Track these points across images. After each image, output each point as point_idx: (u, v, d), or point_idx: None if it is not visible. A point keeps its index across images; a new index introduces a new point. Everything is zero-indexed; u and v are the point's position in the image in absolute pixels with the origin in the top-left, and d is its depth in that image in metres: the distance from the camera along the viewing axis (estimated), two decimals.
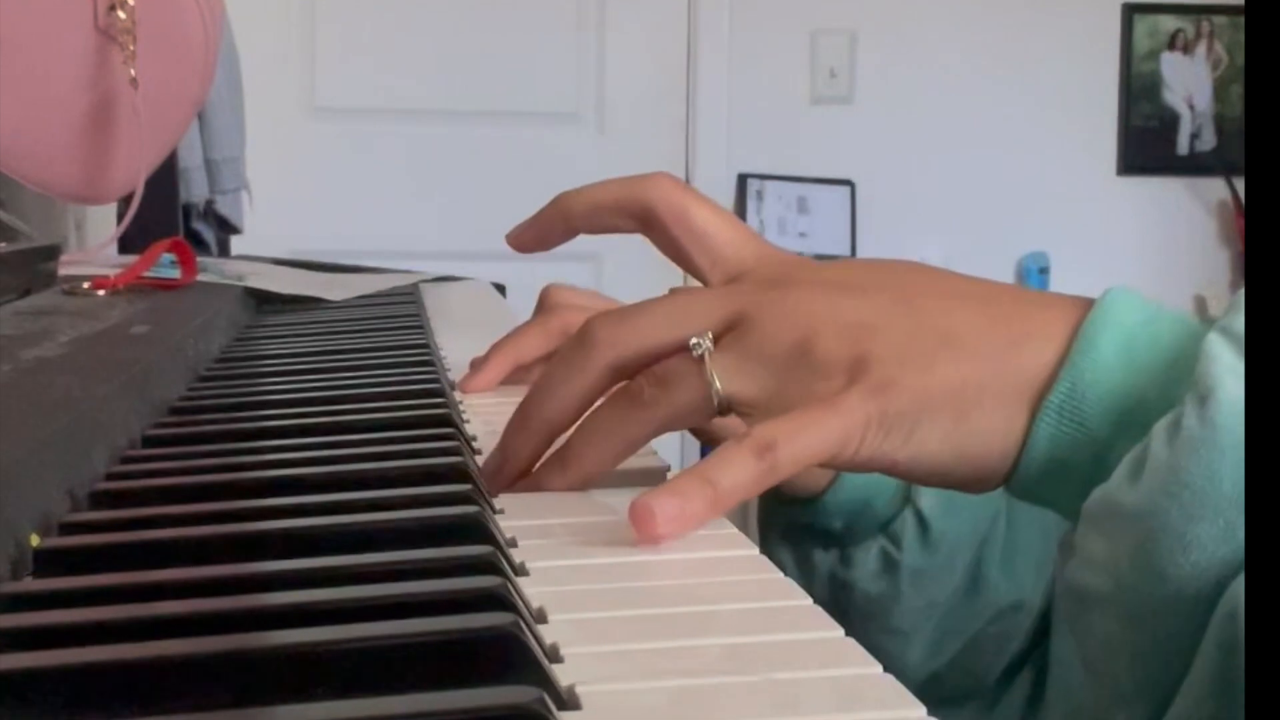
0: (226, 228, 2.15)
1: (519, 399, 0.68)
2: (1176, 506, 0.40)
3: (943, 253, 3.16)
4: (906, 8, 3.18)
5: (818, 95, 3.18)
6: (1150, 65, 3.26)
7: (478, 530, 0.41)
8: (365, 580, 0.36)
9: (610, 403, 0.49)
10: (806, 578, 0.75)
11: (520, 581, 0.39)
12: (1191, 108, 3.28)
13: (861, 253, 3.16)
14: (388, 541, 0.40)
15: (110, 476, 0.48)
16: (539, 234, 0.56)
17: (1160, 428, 0.41)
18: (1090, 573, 0.42)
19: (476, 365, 0.71)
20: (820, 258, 3.14)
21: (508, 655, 0.30)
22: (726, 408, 0.47)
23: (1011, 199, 3.22)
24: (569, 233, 0.55)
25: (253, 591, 0.36)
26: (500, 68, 3.07)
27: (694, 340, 0.47)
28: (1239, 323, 0.43)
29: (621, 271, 2.93)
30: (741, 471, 0.44)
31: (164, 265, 0.94)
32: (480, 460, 0.54)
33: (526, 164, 3.08)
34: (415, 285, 1.19)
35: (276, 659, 0.30)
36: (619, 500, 0.47)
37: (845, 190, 3.18)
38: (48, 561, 0.39)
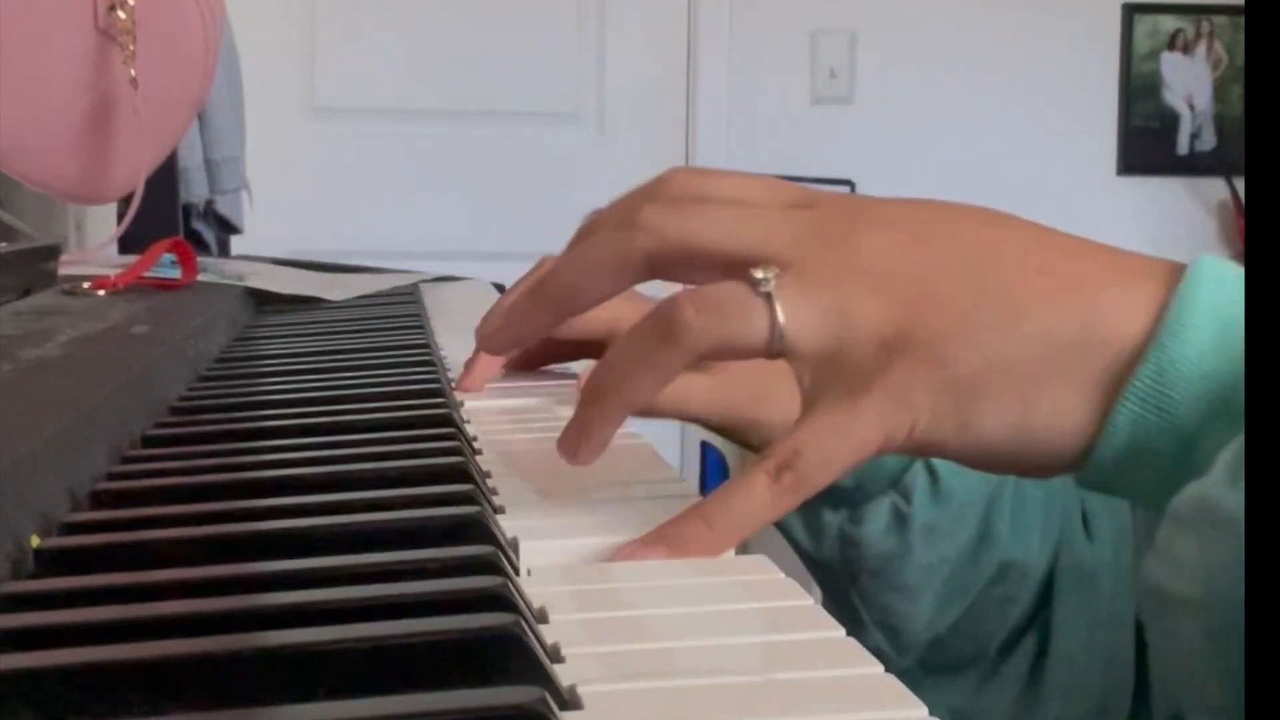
0: (226, 228, 2.15)
1: (522, 399, 0.68)
2: None
3: None
4: (906, 8, 3.18)
5: (818, 95, 3.18)
6: (1150, 65, 3.26)
7: (478, 530, 0.41)
8: (366, 580, 0.36)
9: (642, 333, 0.44)
10: (815, 539, 0.73)
11: (521, 581, 0.39)
12: (1191, 108, 3.28)
13: None
14: (388, 541, 0.40)
15: (110, 476, 0.48)
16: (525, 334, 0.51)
17: None
18: (1177, 577, 0.39)
19: (462, 375, 0.71)
20: None
21: (509, 655, 0.30)
22: (778, 352, 0.43)
23: (1011, 199, 3.20)
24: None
25: (253, 591, 0.36)
26: (500, 68, 3.07)
27: (760, 274, 0.43)
28: None
29: None
30: (749, 502, 0.42)
31: (164, 265, 0.94)
32: (479, 461, 0.54)
33: (526, 164, 3.09)
34: (415, 285, 1.19)
35: (276, 659, 0.30)
36: (620, 499, 0.47)
37: (845, 190, 3.19)
38: (48, 561, 0.39)
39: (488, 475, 0.51)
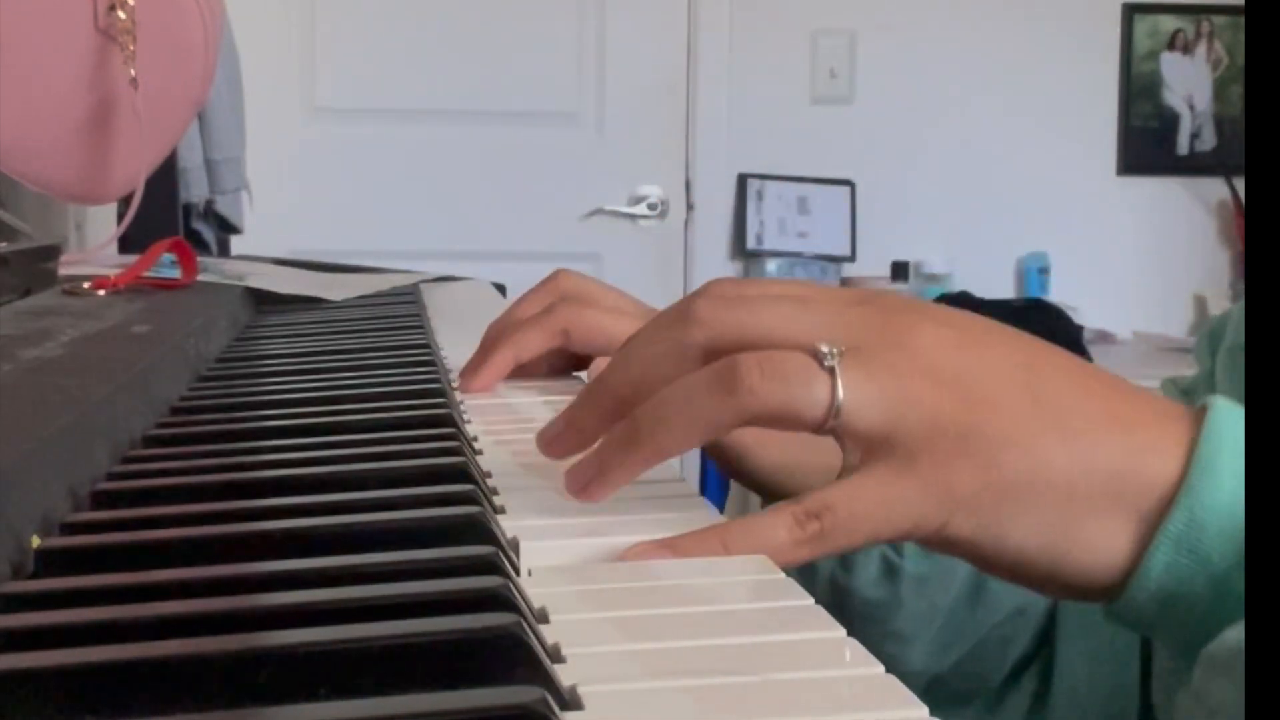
0: (226, 228, 2.15)
1: (521, 398, 0.68)
2: None
3: (943, 253, 3.17)
4: (906, 8, 3.18)
5: (818, 95, 3.18)
6: (1150, 65, 3.26)
7: (479, 530, 0.41)
8: (366, 580, 0.36)
9: (701, 381, 0.44)
10: (806, 583, 0.74)
11: (522, 581, 0.39)
12: (1191, 108, 3.28)
13: (861, 253, 3.17)
14: (389, 541, 0.40)
15: (111, 476, 0.48)
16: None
17: None
18: None
19: (468, 368, 0.70)
20: (821, 258, 3.14)
21: (510, 655, 0.30)
22: (831, 429, 0.44)
23: (1011, 199, 3.22)
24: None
25: (253, 591, 0.36)
26: (500, 68, 3.07)
27: (825, 348, 0.43)
28: None
29: (622, 271, 2.93)
30: (770, 538, 0.43)
31: (164, 265, 0.94)
32: (479, 460, 0.54)
33: (526, 164, 3.09)
34: (415, 285, 1.19)
35: (276, 659, 0.30)
36: (620, 499, 0.47)
37: (845, 190, 3.18)
38: (49, 561, 0.39)
39: (488, 475, 0.51)
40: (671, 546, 0.42)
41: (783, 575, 0.40)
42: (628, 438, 0.45)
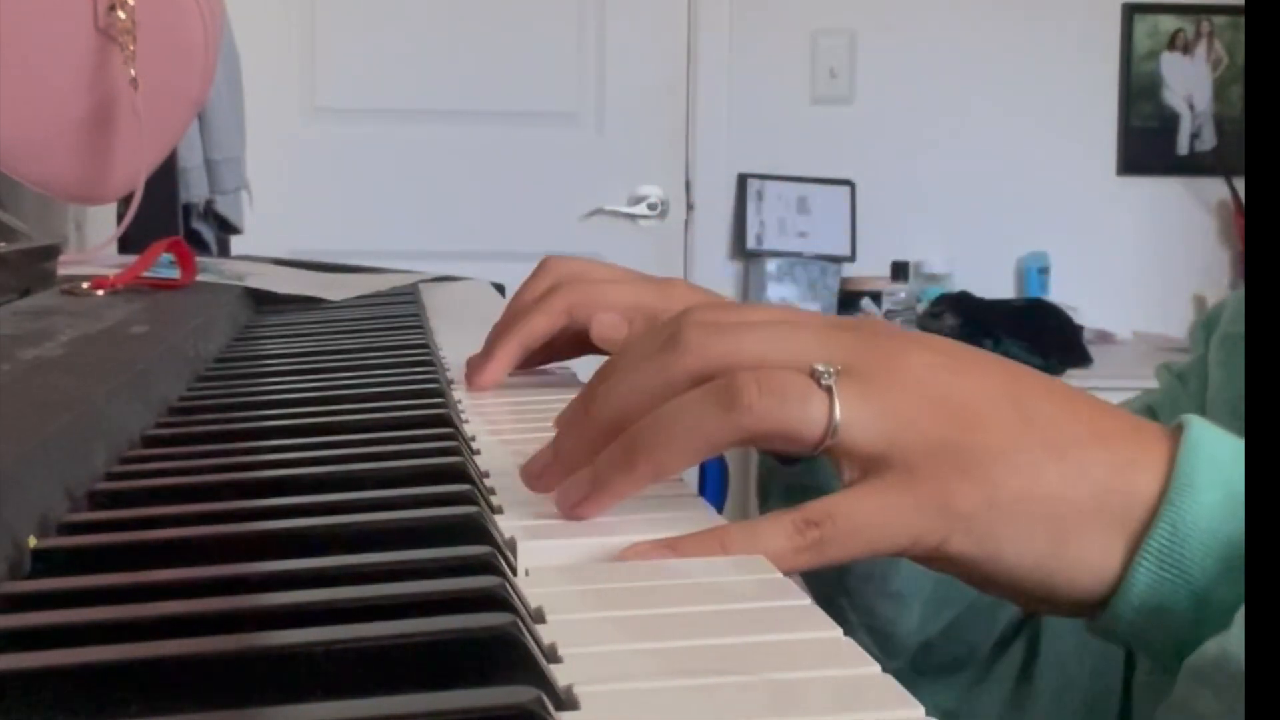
0: (226, 228, 2.15)
1: (521, 397, 0.68)
2: None
3: (943, 253, 3.17)
4: (906, 8, 3.18)
5: (818, 95, 3.18)
6: (1150, 65, 3.26)
7: (476, 530, 0.41)
8: (364, 580, 0.36)
9: (699, 399, 0.44)
10: None
11: (519, 581, 0.39)
12: (1191, 108, 3.28)
13: (861, 253, 3.17)
14: (387, 541, 0.40)
15: (110, 476, 0.48)
16: None
17: None
18: None
19: (475, 362, 0.70)
20: (821, 258, 3.14)
21: (506, 655, 0.30)
22: (828, 448, 0.44)
23: (1011, 199, 3.22)
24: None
25: (251, 591, 0.36)
26: (500, 68, 3.07)
27: (822, 367, 0.44)
28: None
29: None
30: (769, 543, 0.43)
31: (164, 265, 0.94)
32: (477, 460, 0.54)
33: (526, 164, 3.09)
34: (415, 285, 1.19)
35: (276, 659, 0.30)
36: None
37: (845, 190, 3.18)
38: (46, 562, 0.39)
39: (486, 475, 0.51)
40: (671, 547, 0.43)
41: (781, 575, 0.40)
42: (624, 456, 0.45)
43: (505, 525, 0.44)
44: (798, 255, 3.14)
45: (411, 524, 0.41)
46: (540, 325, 0.69)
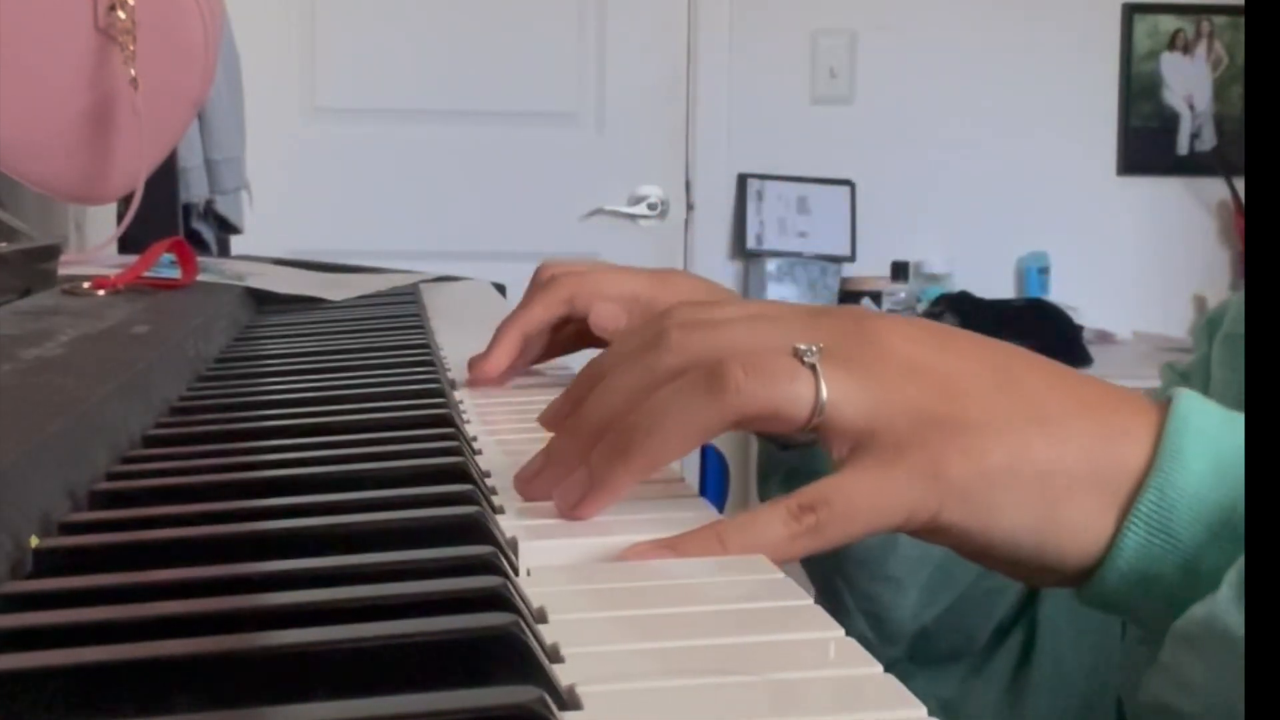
0: (226, 228, 2.15)
1: (521, 397, 0.68)
2: None
3: (943, 253, 3.17)
4: (906, 8, 3.18)
5: (818, 95, 3.18)
6: (1150, 65, 3.26)
7: (478, 530, 0.41)
8: (365, 580, 0.36)
9: (688, 386, 0.44)
10: None
11: (521, 581, 0.39)
12: (1191, 108, 3.28)
13: (861, 253, 3.17)
14: (388, 542, 0.40)
15: (110, 476, 0.48)
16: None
17: None
18: (1184, 696, 0.40)
19: (476, 361, 0.71)
20: (821, 258, 3.14)
21: (508, 655, 0.30)
22: (816, 425, 0.44)
23: (1011, 199, 3.22)
24: None
25: (252, 591, 0.36)
26: (500, 68, 3.07)
27: (804, 346, 0.44)
28: None
29: None
30: (766, 533, 0.43)
31: (164, 265, 0.94)
32: (479, 460, 0.54)
33: (526, 164, 3.09)
34: (415, 285, 1.19)
35: (276, 659, 0.30)
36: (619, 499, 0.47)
37: (845, 190, 3.18)
38: (48, 561, 0.39)
39: (487, 475, 0.51)
40: (670, 546, 0.43)
41: (782, 575, 0.40)
42: (618, 451, 0.45)
43: (507, 525, 0.44)
44: (798, 255, 3.14)
45: (413, 524, 0.41)
46: (539, 313, 0.69)
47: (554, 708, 0.29)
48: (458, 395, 0.69)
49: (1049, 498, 0.44)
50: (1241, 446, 0.43)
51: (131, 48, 0.94)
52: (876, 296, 3.09)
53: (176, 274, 0.93)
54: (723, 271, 3.13)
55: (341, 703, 0.29)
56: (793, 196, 3.17)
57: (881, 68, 3.18)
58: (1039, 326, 2.87)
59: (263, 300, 1.05)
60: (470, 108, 3.07)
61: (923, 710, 0.30)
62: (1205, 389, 0.67)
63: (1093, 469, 0.44)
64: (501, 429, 0.61)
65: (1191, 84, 3.28)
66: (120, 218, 1.03)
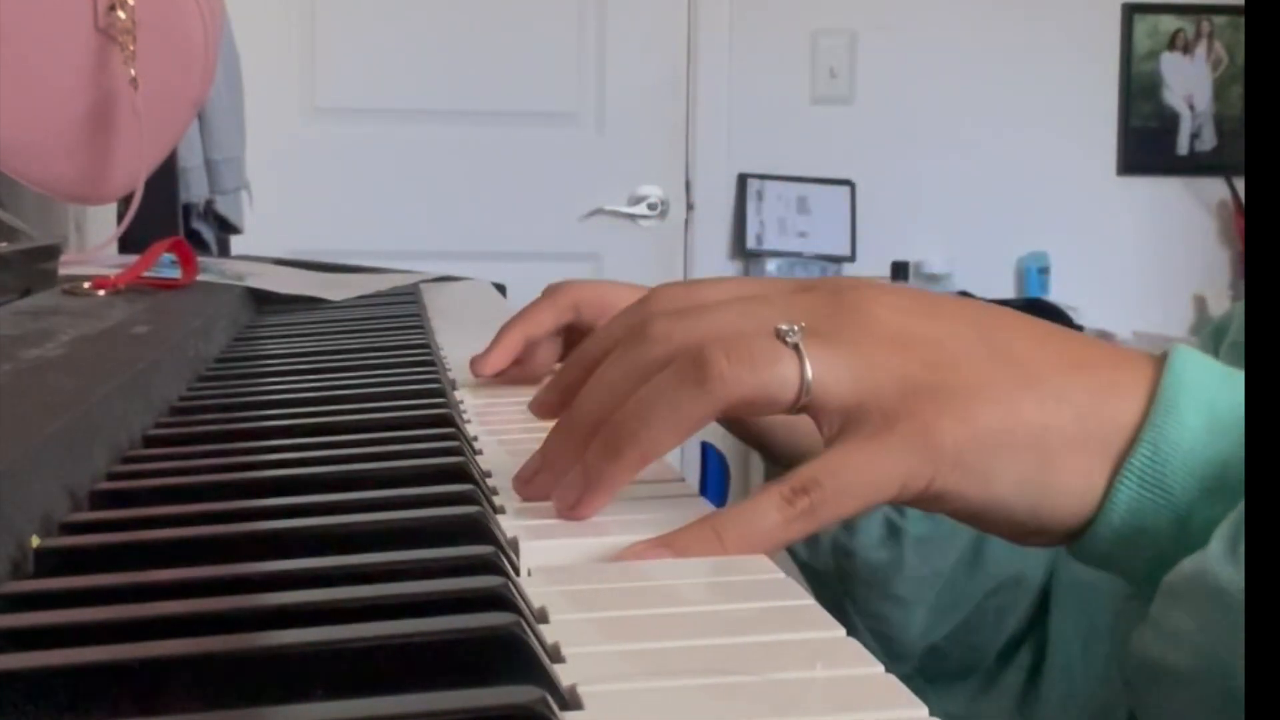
0: (226, 228, 2.15)
1: (521, 397, 0.68)
2: None
3: (943, 253, 3.17)
4: (906, 8, 3.18)
5: (818, 95, 3.17)
6: (1150, 65, 3.26)
7: (479, 530, 0.41)
8: (366, 580, 0.36)
9: (673, 377, 0.44)
10: (810, 546, 0.74)
11: (522, 581, 0.39)
12: (1191, 108, 3.28)
13: (861, 253, 3.17)
14: (389, 541, 0.40)
15: (110, 476, 0.48)
16: None
17: None
18: (1172, 649, 0.40)
19: (475, 360, 0.71)
20: (821, 258, 3.14)
21: (509, 655, 0.30)
22: (804, 406, 0.44)
23: (1011, 199, 3.22)
24: None
25: (253, 591, 0.36)
26: (500, 68, 3.07)
27: (785, 326, 0.44)
28: None
29: (622, 271, 2.93)
30: (762, 521, 0.43)
31: (164, 265, 0.94)
32: (479, 460, 0.54)
33: (526, 164, 3.09)
34: (415, 285, 1.19)
35: (276, 659, 0.30)
36: (620, 499, 0.47)
37: (845, 190, 3.18)
38: (48, 561, 0.39)
39: (488, 475, 0.51)
40: (668, 544, 0.42)
41: (782, 574, 0.40)
42: (609, 447, 0.45)
43: (507, 525, 0.44)
44: (798, 255, 3.14)
45: (413, 524, 0.41)
46: (545, 317, 0.69)
47: (555, 708, 0.29)
48: (458, 395, 0.69)
49: (1042, 458, 0.43)
50: (1237, 404, 0.43)
51: (131, 48, 0.94)
52: None
53: (176, 274, 0.93)
54: (723, 271, 3.13)
55: (341, 703, 0.29)
56: (793, 196, 3.17)
57: (881, 68, 3.18)
58: None
59: (263, 300, 1.05)
60: (470, 108, 3.07)
61: (923, 710, 0.30)
62: None
63: (1085, 427, 0.44)
64: (502, 429, 0.61)
65: (1191, 84, 3.28)
66: (120, 218, 1.03)
